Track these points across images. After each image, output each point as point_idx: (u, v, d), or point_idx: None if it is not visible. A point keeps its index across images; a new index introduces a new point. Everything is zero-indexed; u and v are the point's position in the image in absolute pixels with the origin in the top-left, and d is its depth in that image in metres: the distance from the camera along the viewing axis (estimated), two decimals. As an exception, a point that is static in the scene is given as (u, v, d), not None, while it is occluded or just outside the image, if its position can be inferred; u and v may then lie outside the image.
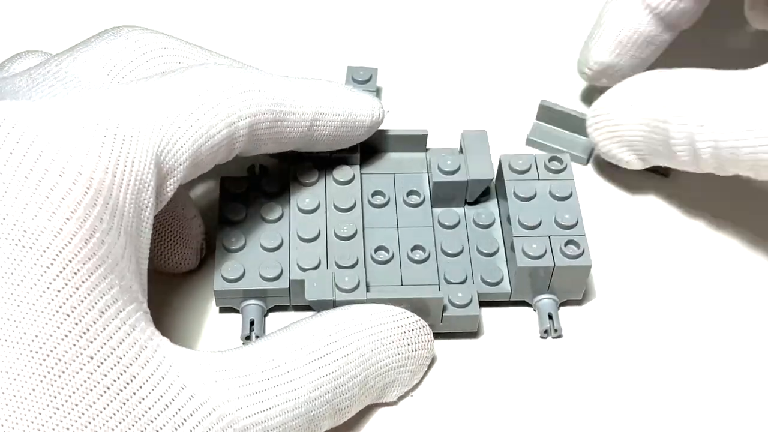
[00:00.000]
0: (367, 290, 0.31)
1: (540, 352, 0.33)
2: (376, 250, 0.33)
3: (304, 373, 0.28)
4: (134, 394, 0.24)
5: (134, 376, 0.24)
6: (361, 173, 0.36)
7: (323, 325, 0.29)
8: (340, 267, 0.32)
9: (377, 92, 0.39)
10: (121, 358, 0.24)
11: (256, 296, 0.33)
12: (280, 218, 0.34)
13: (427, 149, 0.37)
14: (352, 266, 0.32)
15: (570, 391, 0.32)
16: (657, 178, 0.38)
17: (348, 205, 0.34)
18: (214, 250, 0.33)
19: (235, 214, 0.34)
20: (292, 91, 0.31)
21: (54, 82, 0.28)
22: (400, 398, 0.31)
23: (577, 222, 0.33)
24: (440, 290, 0.32)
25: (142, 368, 0.25)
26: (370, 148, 0.36)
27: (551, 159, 0.35)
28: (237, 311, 0.33)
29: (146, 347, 0.25)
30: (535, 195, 0.34)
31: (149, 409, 0.24)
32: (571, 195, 0.34)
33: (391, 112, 0.36)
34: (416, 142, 0.36)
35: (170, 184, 0.28)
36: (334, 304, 0.31)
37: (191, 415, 0.25)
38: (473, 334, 0.33)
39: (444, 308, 0.32)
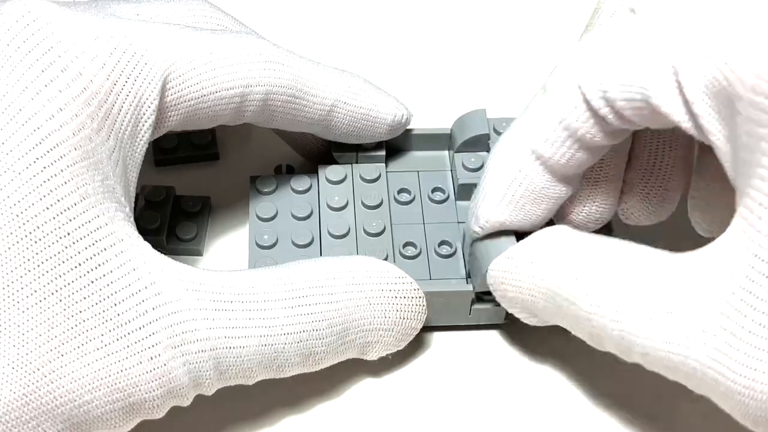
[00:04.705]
0: (398, 284, 0.32)
1: (565, 342, 0.34)
2: (404, 246, 0.34)
3: (281, 306, 0.28)
4: (104, 276, 0.26)
5: (107, 260, 0.26)
6: (386, 171, 0.37)
7: (314, 269, 0.29)
8: (370, 262, 0.33)
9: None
10: (96, 242, 0.26)
11: (289, 291, 0.34)
12: (310, 215, 0.35)
13: (449, 147, 0.38)
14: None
15: (595, 380, 0.33)
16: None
17: (376, 203, 0.35)
18: (246, 247, 0.34)
19: (266, 212, 0.35)
20: (316, 73, 0.33)
21: (90, 8, 0.30)
22: (381, 359, 0.32)
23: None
24: (468, 283, 0.33)
25: (116, 256, 0.26)
26: (394, 147, 0.37)
27: None
28: (270, 306, 0.34)
29: (122, 240, 0.27)
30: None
31: (115, 292, 0.26)
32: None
33: (415, 115, 0.36)
34: (439, 140, 0.37)
35: (172, 116, 0.30)
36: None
37: (154, 309, 0.26)
38: (499, 325, 0.34)
39: (472, 301, 0.33)
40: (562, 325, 0.29)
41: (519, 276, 0.29)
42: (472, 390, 0.33)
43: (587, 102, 0.27)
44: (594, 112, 0.27)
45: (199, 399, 0.28)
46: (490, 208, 0.30)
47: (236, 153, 0.40)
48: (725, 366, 0.24)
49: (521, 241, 0.30)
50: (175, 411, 0.28)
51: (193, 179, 0.39)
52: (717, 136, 0.25)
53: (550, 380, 0.33)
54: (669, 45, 0.25)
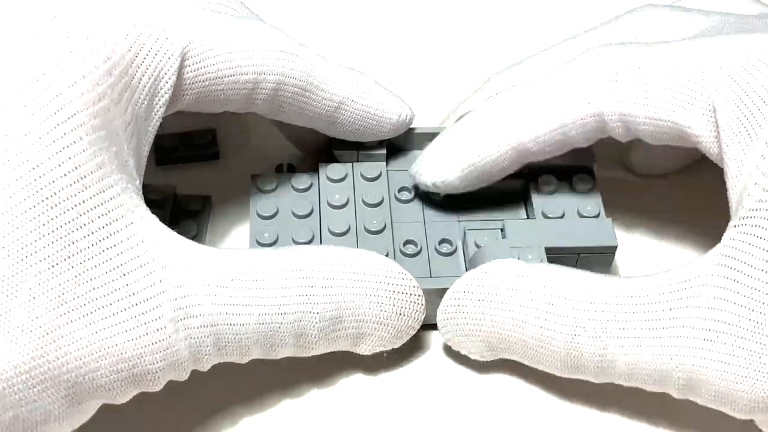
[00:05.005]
0: (398, 282, 0.32)
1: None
2: (404, 244, 0.34)
3: (279, 287, 0.28)
4: (114, 245, 0.26)
5: (118, 231, 0.26)
6: (387, 170, 0.37)
7: (317, 254, 0.30)
8: (371, 260, 0.33)
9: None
10: (109, 212, 0.26)
11: (289, 289, 0.34)
12: (310, 214, 0.35)
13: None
14: (383, 259, 0.33)
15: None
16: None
17: (376, 201, 0.35)
18: (247, 245, 0.34)
19: (267, 210, 0.35)
20: (327, 69, 0.33)
21: None
22: (375, 355, 0.32)
23: (599, 213, 0.34)
24: (468, 281, 0.33)
25: (126, 227, 0.26)
26: (395, 145, 0.37)
27: None
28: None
29: (133, 212, 0.27)
30: (555, 190, 0.35)
31: (125, 263, 0.26)
32: (592, 188, 0.35)
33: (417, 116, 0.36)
34: (440, 139, 0.37)
35: (187, 94, 0.30)
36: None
37: (160, 281, 0.27)
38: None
39: (472, 299, 0.33)
40: (519, 359, 0.31)
41: (483, 310, 0.30)
42: (472, 390, 0.33)
43: (602, 123, 0.30)
44: (603, 127, 0.31)
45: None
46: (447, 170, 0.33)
47: (237, 152, 0.40)
48: (722, 364, 0.26)
49: (472, 273, 0.31)
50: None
51: (193, 178, 0.39)
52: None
53: (549, 381, 0.33)
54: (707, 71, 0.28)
